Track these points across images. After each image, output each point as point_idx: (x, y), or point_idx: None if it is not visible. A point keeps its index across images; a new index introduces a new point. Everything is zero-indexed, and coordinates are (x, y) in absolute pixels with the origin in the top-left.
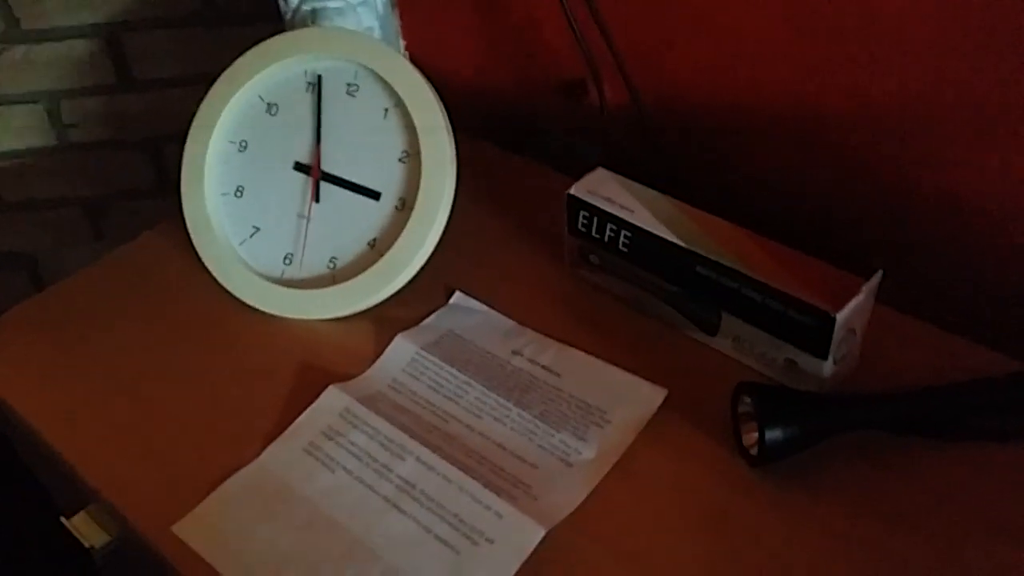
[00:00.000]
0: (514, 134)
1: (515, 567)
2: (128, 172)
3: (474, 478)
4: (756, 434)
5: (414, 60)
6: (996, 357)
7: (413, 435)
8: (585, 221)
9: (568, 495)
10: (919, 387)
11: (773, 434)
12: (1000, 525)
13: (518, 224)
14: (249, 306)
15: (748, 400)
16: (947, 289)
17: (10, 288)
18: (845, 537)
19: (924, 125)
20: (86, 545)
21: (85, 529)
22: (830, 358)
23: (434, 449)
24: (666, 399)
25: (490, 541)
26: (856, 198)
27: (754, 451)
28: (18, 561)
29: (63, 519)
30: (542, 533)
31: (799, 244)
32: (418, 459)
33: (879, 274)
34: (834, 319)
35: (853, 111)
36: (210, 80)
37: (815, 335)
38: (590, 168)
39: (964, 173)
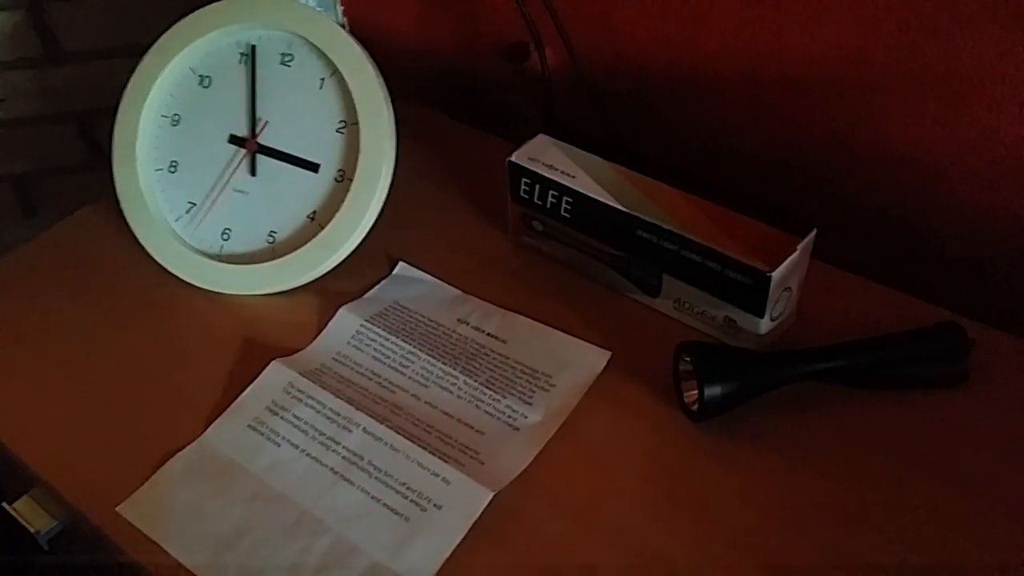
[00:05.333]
0: (456, 99)
1: (464, 531)
2: (59, 147)
3: (421, 446)
4: (696, 391)
5: (353, 24)
6: (925, 307)
7: (359, 407)
8: (527, 188)
9: (515, 458)
10: (850, 341)
11: (712, 390)
12: (934, 466)
13: (461, 192)
14: (188, 283)
15: (688, 359)
16: (881, 244)
17: None
18: (786, 487)
19: (860, 83)
20: (31, 530)
21: (29, 514)
22: (767, 315)
23: (381, 420)
24: (610, 361)
25: (439, 507)
26: (794, 157)
27: (695, 407)
28: None
29: (5, 504)
30: (490, 496)
31: (739, 205)
32: (365, 430)
33: (813, 233)
34: (770, 277)
35: (792, 70)
36: (141, 52)
37: (752, 294)
38: (529, 134)
39: (898, 132)
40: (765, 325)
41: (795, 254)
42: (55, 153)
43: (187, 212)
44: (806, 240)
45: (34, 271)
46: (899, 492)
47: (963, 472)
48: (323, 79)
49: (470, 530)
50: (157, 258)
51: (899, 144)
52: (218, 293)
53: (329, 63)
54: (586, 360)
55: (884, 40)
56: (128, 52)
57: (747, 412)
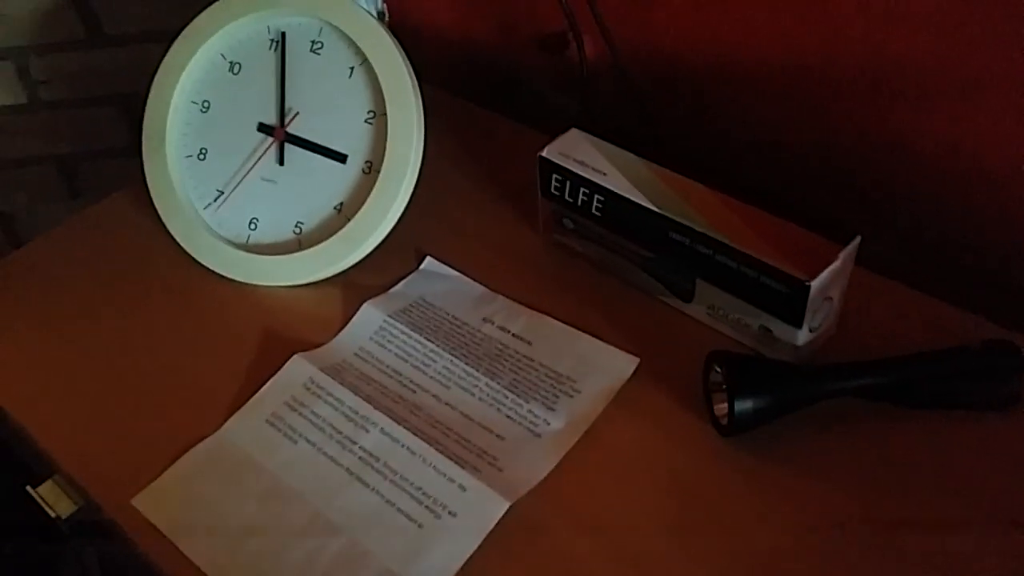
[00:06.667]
0: (492, 89)
1: (478, 541)
2: (102, 130)
3: (439, 450)
4: (727, 404)
5: (391, 9)
6: (978, 322)
7: (378, 406)
8: (558, 184)
9: (535, 467)
10: (894, 356)
11: (743, 405)
12: (978, 495)
13: (493, 185)
14: (214, 272)
15: (719, 370)
16: (933, 253)
17: None
18: (818, 511)
19: (915, 81)
20: (51, 515)
21: (52, 498)
22: (805, 326)
23: (399, 420)
24: (638, 367)
25: (453, 515)
26: (841, 158)
27: (725, 422)
28: None
29: (29, 488)
30: (506, 506)
31: (780, 207)
32: (382, 431)
33: (857, 240)
34: (808, 287)
35: (842, 67)
36: (172, 36)
37: (789, 303)
38: (566, 126)
39: (952, 135)
40: (803, 336)
41: (836, 263)
42: (99, 135)
43: (215, 200)
44: (849, 248)
45: (62, 256)
46: (938, 522)
47: (1008, 504)
48: (352, 68)
49: (484, 540)
50: (185, 246)
51: (958, 145)
52: (244, 283)
53: (359, 52)
54: (613, 366)
55: (943, 39)
56: (170, 36)
57: (780, 428)
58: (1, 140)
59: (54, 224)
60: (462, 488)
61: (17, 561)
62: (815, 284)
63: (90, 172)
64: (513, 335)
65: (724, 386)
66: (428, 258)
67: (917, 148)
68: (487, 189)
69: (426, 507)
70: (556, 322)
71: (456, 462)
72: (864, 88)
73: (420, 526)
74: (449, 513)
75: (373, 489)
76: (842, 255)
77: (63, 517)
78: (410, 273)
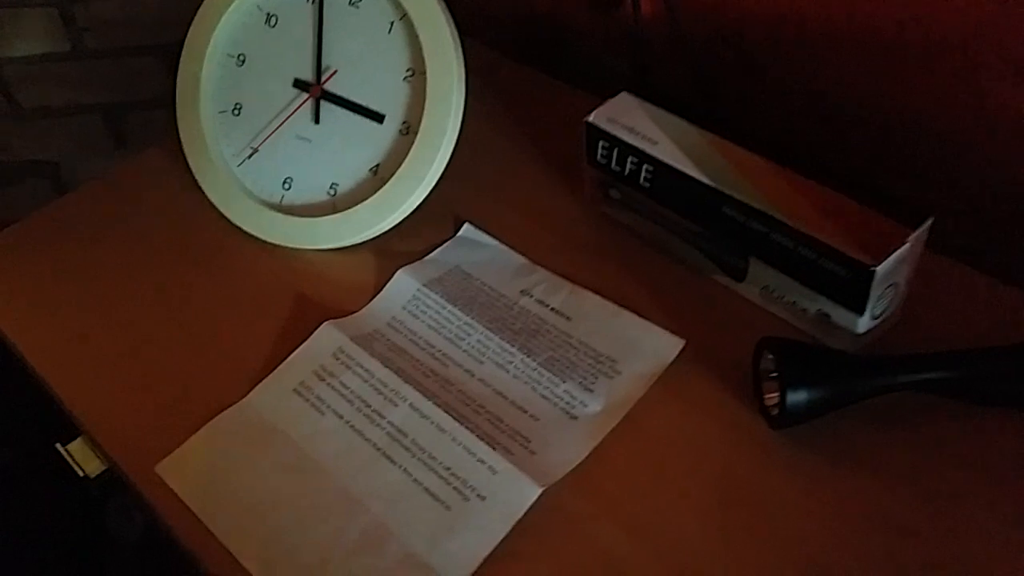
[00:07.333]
0: (541, 46)
1: (507, 528)
2: (147, 79)
3: (470, 429)
4: (777, 394)
5: None
6: None
7: (408, 379)
8: (604, 152)
9: (569, 451)
10: (960, 350)
11: (796, 396)
12: None
13: (537, 149)
14: (246, 232)
15: (771, 357)
16: (1013, 236)
17: (35, 195)
18: (868, 513)
19: (1001, 50)
20: (80, 474)
21: (81, 456)
22: (867, 313)
23: (430, 395)
24: (684, 350)
25: (482, 498)
26: (919, 128)
27: (775, 412)
28: (19, 488)
29: (58, 445)
30: (538, 493)
31: (844, 185)
32: (411, 406)
33: (928, 223)
34: (873, 272)
35: (927, 29)
36: None
37: (851, 289)
38: (617, 89)
39: None
40: (864, 324)
41: (905, 247)
42: (143, 84)
43: (249, 157)
44: (919, 231)
45: (95, 212)
46: (1006, 534)
47: None
48: (392, 23)
49: (513, 527)
50: (217, 204)
51: None
52: (276, 245)
53: (399, 6)
54: (657, 347)
55: None
56: None
57: (834, 422)
58: (46, 88)
59: (99, 173)
60: (492, 470)
61: (64, 505)
62: (880, 269)
63: (136, 122)
64: (552, 310)
65: (776, 374)
66: (466, 225)
67: (998, 119)
68: (531, 154)
69: (454, 488)
70: (598, 298)
71: (487, 442)
72: (943, 54)
73: (448, 508)
74: (478, 496)
75: (400, 467)
76: (911, 238)
77: (92, 476)
78: (447, 240)
